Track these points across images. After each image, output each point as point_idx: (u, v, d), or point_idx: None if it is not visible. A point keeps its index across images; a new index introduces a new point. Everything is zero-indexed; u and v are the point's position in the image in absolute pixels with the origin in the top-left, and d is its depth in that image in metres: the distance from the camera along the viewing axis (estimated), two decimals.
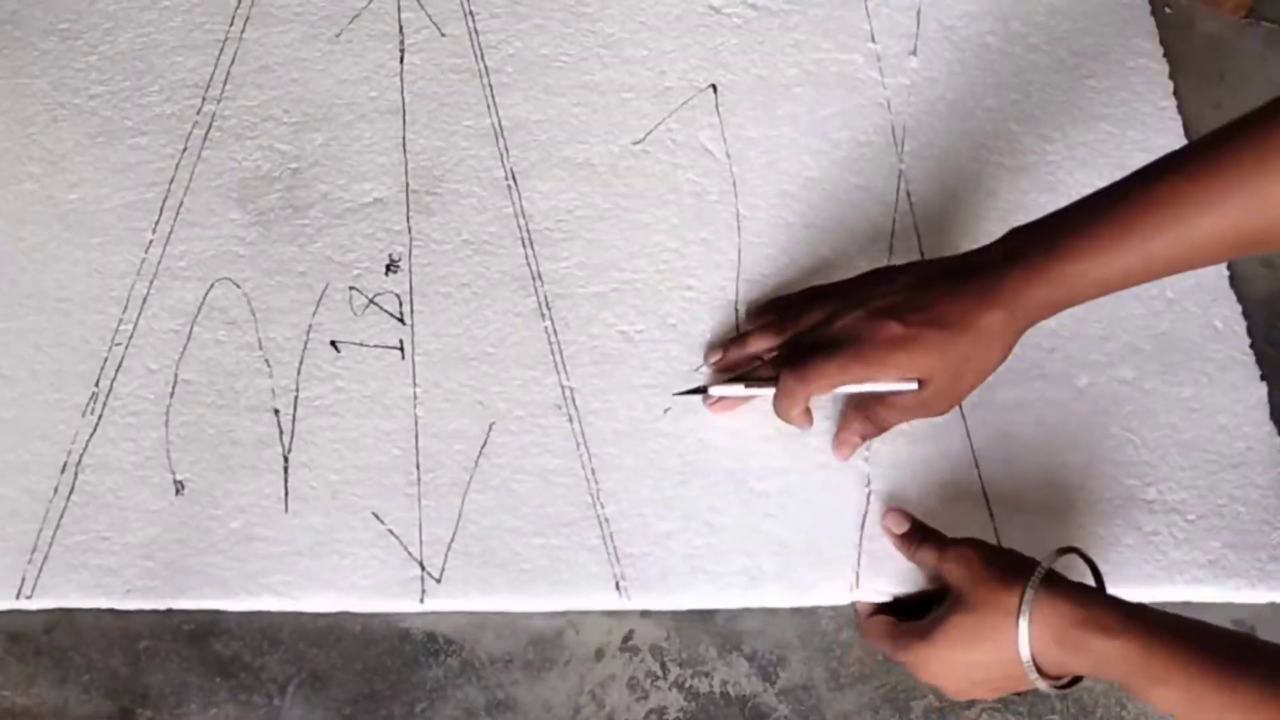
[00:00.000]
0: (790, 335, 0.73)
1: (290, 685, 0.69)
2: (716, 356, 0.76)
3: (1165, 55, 0.89)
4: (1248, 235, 0.62)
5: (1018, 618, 0.62)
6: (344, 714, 0.68)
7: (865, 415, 0.72)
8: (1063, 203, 0.66)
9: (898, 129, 0.84)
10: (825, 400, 0.74)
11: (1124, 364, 0.78)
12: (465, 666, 0.70)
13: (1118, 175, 0.78)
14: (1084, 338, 0.78)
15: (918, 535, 0.71)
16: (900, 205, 0.82)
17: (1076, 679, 0.64)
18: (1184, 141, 0.85)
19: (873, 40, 0.87)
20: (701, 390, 0.74)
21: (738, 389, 0.73)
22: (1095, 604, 0.62)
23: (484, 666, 0.70)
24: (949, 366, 0.68)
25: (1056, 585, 0.63)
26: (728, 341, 0.76)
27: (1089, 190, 0.81)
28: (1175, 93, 0.87)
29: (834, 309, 0.71)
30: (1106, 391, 0.77)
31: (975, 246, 0.72)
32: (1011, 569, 0.64)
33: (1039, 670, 0.63)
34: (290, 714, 0.68)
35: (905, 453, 0.74)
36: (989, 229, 0.81)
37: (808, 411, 0.72)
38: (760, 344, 0.75)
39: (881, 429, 0.73)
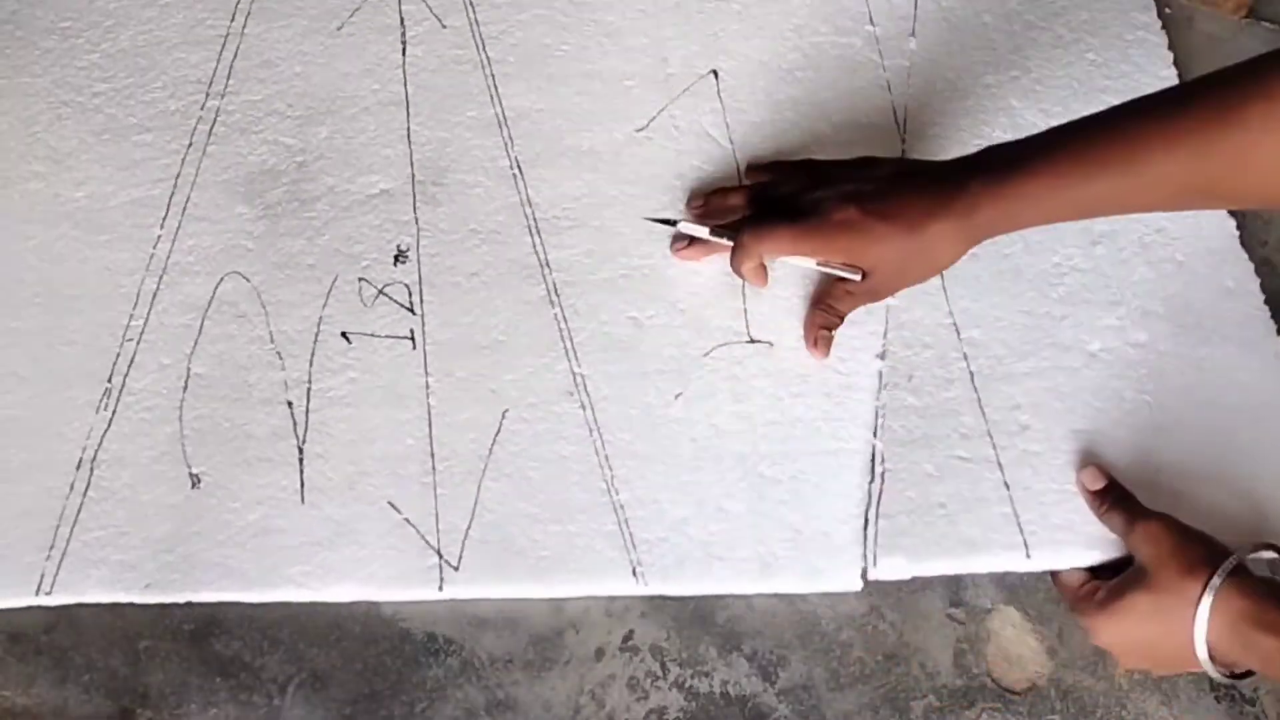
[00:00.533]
0: (765, 195, 0.77)
1: (290, 685, 0.69)
2: (698, 202, 0.80)
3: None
4: (1199, 184, 0.64)
5: (1196, 607, 0.63)
6: (344, 714, 0.69)
7: (823, 309, 0.76)
8: None
9: (899, 110, 0.85)
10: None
11: (1136, 328, 0.79)
12: (465, 666, 0.70)
13: None
14: (1094, 303, 0.79)
15: (1112, 495, 0.72)
16: None
17: (1250, 671, 0.65)
18: None
19: (871, 23, 0.88)
20: (670, 223, 0.78)
21: (702, 230, 0.76)
22: (1276, 603, 0.63)
23: (484, 666, 0.70)
24: (892, 261, 0.72)
25: (1242, 578, 0.64)
26: (712, 191, 0.80)
27: None
28: None
29: (814, 183, 0.74)
30: (1120, 356, 0.78)
31: None
32: (1202, 556, 0.65)
33: (1213, 659, 0.64)
34: (290, 714, 0.69)
35: (919, 429, 0.75)
36: None
37: (761, 269, 0.76)
38: (740, 199, 0.78)
39: (840, 318, 0.77)
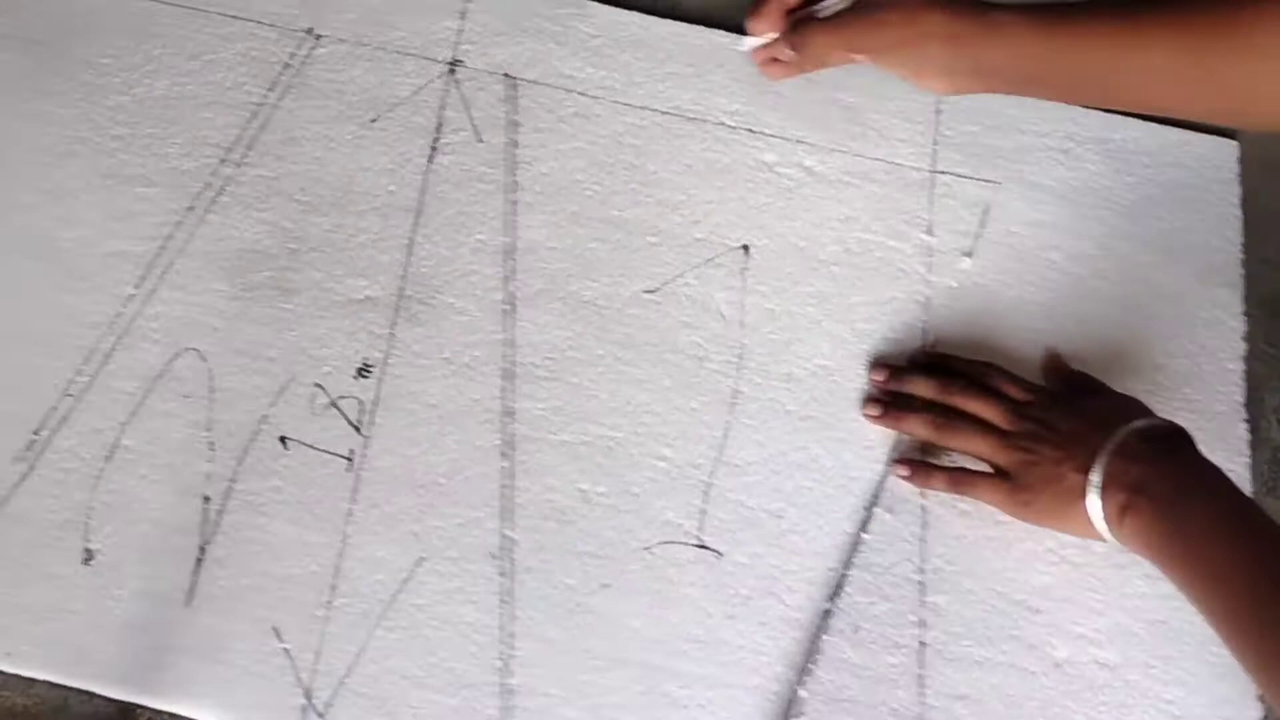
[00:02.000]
0: None
1: None
2: None
3: None
4: (1190, 78, 0.70)
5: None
6: None
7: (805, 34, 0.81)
8: None
9: (929, 332, 0.83)
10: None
11: (1111, 645, 0.75)
12: None
13: None
14: (1074, 605, 0.75)
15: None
16: None
17: None
18: (1240, 414, 0.82)
19: (929, 233, 0.85)
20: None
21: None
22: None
23: None
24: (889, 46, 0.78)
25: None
26: None
27: None
28: None
29: None
30: (1083, 672, 0.74)
31: None
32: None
33: None
34: None
35: (849, 690, 0.73)
36: None
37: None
38: None
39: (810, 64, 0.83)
